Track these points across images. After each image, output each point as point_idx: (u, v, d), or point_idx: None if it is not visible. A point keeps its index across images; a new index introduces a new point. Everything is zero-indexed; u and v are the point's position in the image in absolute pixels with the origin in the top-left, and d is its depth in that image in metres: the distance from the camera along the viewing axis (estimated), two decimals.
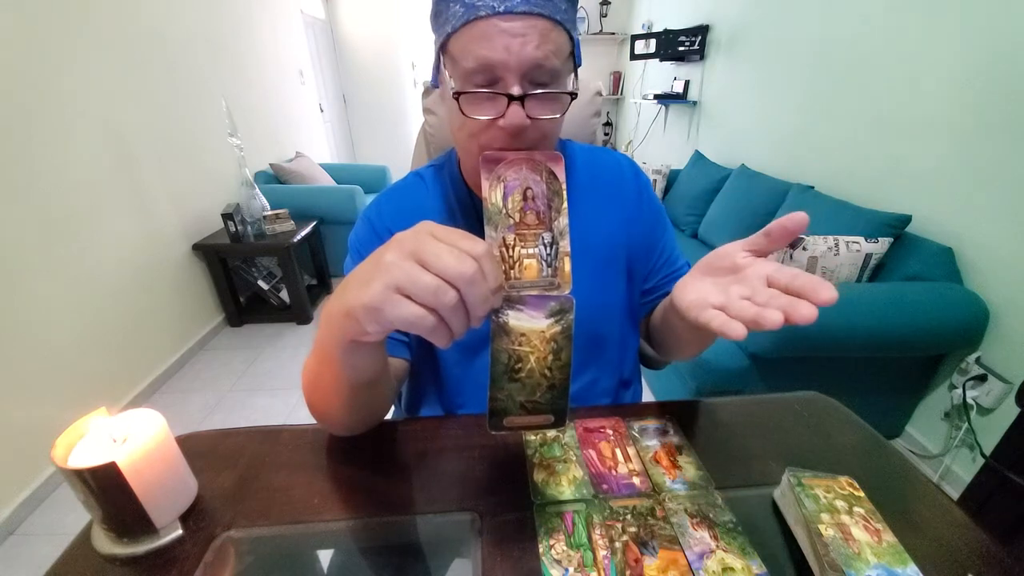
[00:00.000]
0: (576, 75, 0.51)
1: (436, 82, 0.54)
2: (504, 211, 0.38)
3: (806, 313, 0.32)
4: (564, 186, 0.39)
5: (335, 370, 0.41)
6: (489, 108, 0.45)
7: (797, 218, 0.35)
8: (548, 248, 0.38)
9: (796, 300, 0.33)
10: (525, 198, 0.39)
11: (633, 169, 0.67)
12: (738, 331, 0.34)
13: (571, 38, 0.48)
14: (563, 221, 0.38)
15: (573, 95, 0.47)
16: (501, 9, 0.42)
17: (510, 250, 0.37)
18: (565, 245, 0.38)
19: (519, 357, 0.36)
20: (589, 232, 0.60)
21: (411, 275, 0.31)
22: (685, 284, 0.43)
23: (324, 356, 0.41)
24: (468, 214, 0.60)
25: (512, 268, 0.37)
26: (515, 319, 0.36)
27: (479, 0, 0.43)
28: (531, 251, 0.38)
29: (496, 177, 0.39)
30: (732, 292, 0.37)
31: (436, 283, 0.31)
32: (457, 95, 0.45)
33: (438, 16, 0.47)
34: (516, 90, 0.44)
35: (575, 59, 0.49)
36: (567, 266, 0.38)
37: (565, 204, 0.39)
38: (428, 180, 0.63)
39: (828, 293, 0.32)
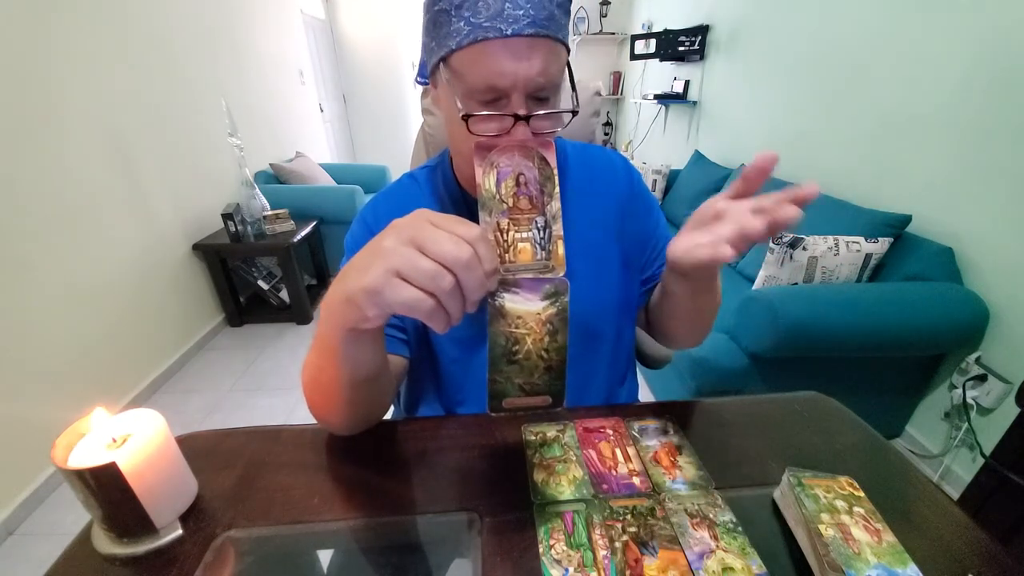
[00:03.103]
0: (573, 85, 0.52)
1: (426, 80, 0.55)
2: (497, 196, 0.39)
3: (790, 212, 0.36)
4: (555, 171, 0.40)
5: (335, 365, 0.41)
6: (494, 125, 0.47)
7: (768, 156, 0.37)
8: (541, 232, 0.38)
9: (778, 207, 0.36)
10: (518, 183, 0.39)
11: (624, 164, 0.67)
12: (725, 251, 0.37)
13: (567, 49, 0.49)
14: (555, 205, 0.39)
15: (574, 112, 0.48)
16: (509, 32, 0.43)
17: (504, 234, 0.38)
18: (558, 229, 0.39)
19: (516, 339, 0.36)
20: (583, 227, 0.60)
21: (410, 260, 0.32)
22: (675, 240, 0.44)
23: (324, 350, 0.41)
24: (462, 214, 0.60)
25: (507, 252, 0.38)
26: (511, 302, 0.36)
27: (486, 21, 0.43)
28: (525, 235, 0.38)
29: (489, 164, 0.40)
30: (717, 229, 0.39)
31: (434, 268, 0.31)
32: (466, 117, 0.46)
33: (438, 27, 0.47)
34: (522, 111, 0.45)
35: (569, 66, 0.51)
36: (560, 249, 0.38)
37: (557, 189, 0.40)
38: (422, 181, 0.64)
39: (810, 188, 0.36)
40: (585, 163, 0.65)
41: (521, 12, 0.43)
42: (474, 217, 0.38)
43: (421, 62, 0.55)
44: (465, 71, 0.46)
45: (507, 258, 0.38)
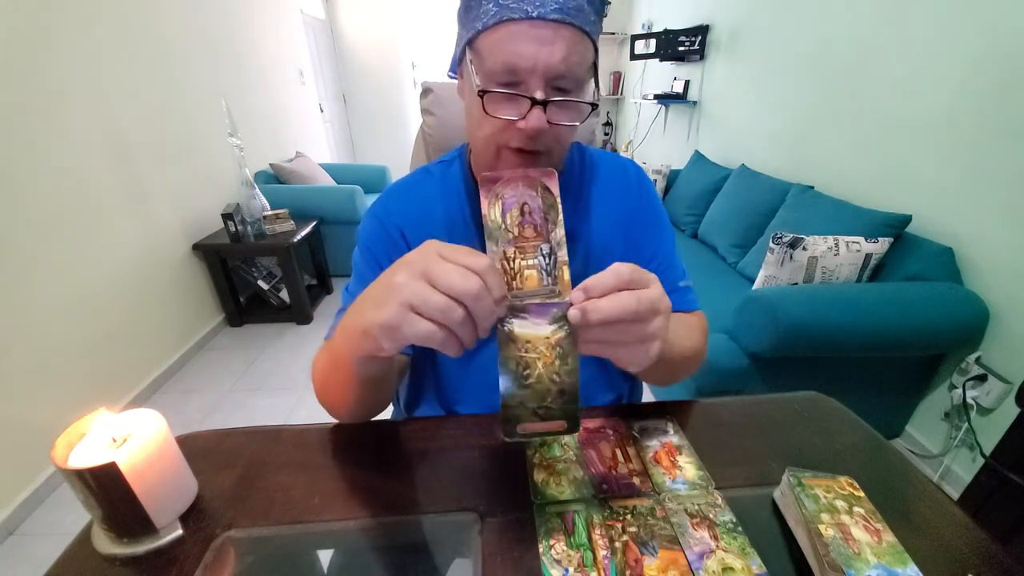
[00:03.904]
0: (597, 85, 0.51)
1: (455, 73, 0.55)
2: (503, 226, 0.40)
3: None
4: (558, 199, 0.41)
5: (346, 374, 0.44)
6: (511, 109, 0.47)
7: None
8: (547, 258, 0.40)
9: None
10: (523, 213, 0.41)
11: (637, 173, 0.67)
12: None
13: (595, 48, 0.49)
14: (560, 232, 0.40)
15: (594, 105, 0.48)
16: (535, 14, 0.43)
17: (511, 262, 0.39)
18: (563, 255, 0.40)
19: (527, 363, 0.37)
20: (590, 229, 0.60)
21: (422, 295, 0.33)
22: None
23: (338, 362, 0.44)
24: (476, 210, 0.60)
25: (514, 279, 0.39)
26: (520, 327, 0.37)
27: (513, 2, 0.44)
28: (531, 262, 0.39)
29: (494, 195, 0.41)
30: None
31: (445, 301, 0.33)
32: (482, 93, 0.46)
33: (468, 11, 0.47)
34: (539, 95, 0.45)
35: (596, 68, 0.50)
36: (566, 274, 0.39)
37: (561, 216, 0.41)
38: (436, 176, 0.64)
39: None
40: (598, 168, 0.65)
41: None
42: None
43: (453, 57, 0.55)
44: (487, 52, 0.46)
45: (514, 285, 0.39)
